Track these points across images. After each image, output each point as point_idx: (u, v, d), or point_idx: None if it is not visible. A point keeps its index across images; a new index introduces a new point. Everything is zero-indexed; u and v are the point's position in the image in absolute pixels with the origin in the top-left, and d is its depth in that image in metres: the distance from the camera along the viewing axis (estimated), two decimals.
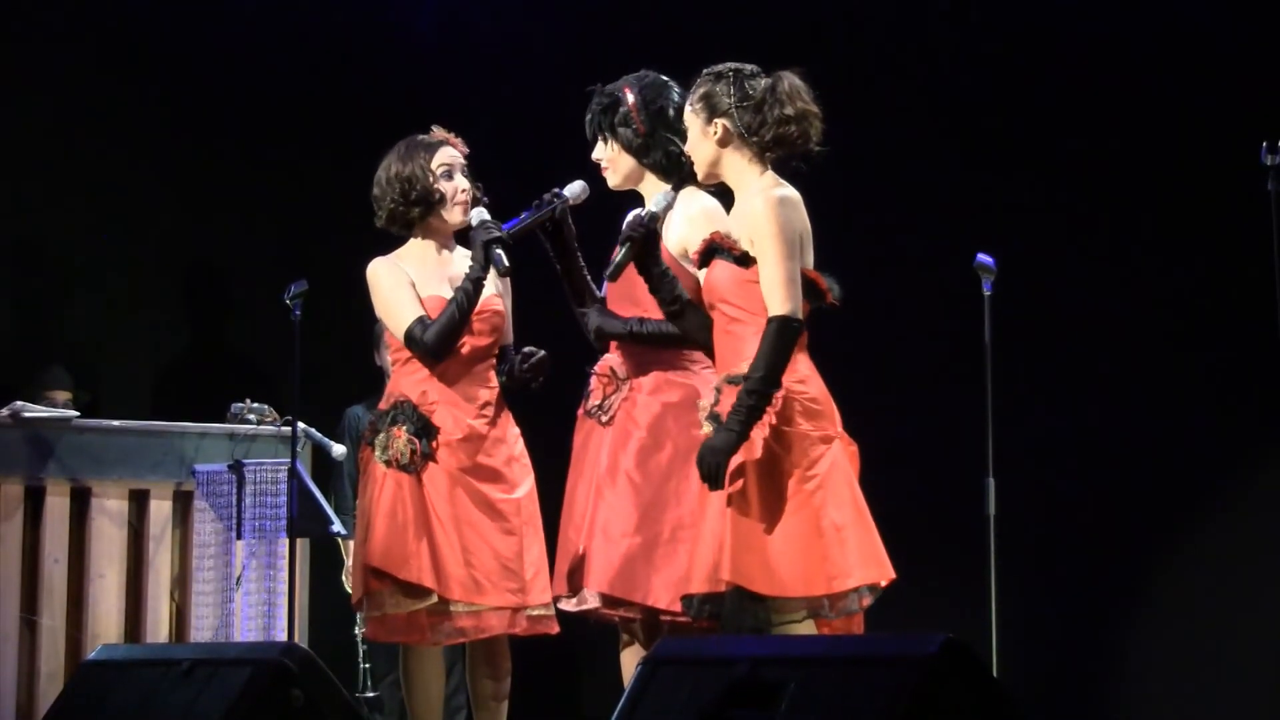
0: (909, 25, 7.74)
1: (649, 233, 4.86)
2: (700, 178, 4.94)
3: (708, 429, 4.69)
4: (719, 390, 4.71)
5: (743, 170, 4.81)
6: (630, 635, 5.15)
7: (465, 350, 5.39)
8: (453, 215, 5.47)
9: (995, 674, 5.03)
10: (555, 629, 5.39)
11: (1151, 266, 7.22)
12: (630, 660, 5.11)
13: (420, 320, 5.35)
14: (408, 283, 5.42)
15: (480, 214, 5.39)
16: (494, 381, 5.45)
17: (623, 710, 3.83)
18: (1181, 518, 7.18)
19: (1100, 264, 7.30)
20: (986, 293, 6.11)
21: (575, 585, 5.08)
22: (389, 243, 5.51)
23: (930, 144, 7.55)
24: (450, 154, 5.49)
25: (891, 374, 7.27)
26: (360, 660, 7.65)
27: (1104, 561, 7.20)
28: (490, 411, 5.41)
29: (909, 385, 7.27)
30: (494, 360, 5.48)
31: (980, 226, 7.07)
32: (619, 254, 4.88)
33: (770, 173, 4.80)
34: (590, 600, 5.05)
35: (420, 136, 5.52)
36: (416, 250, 5.50)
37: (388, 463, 5.36)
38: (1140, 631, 7.21)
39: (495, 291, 5.44)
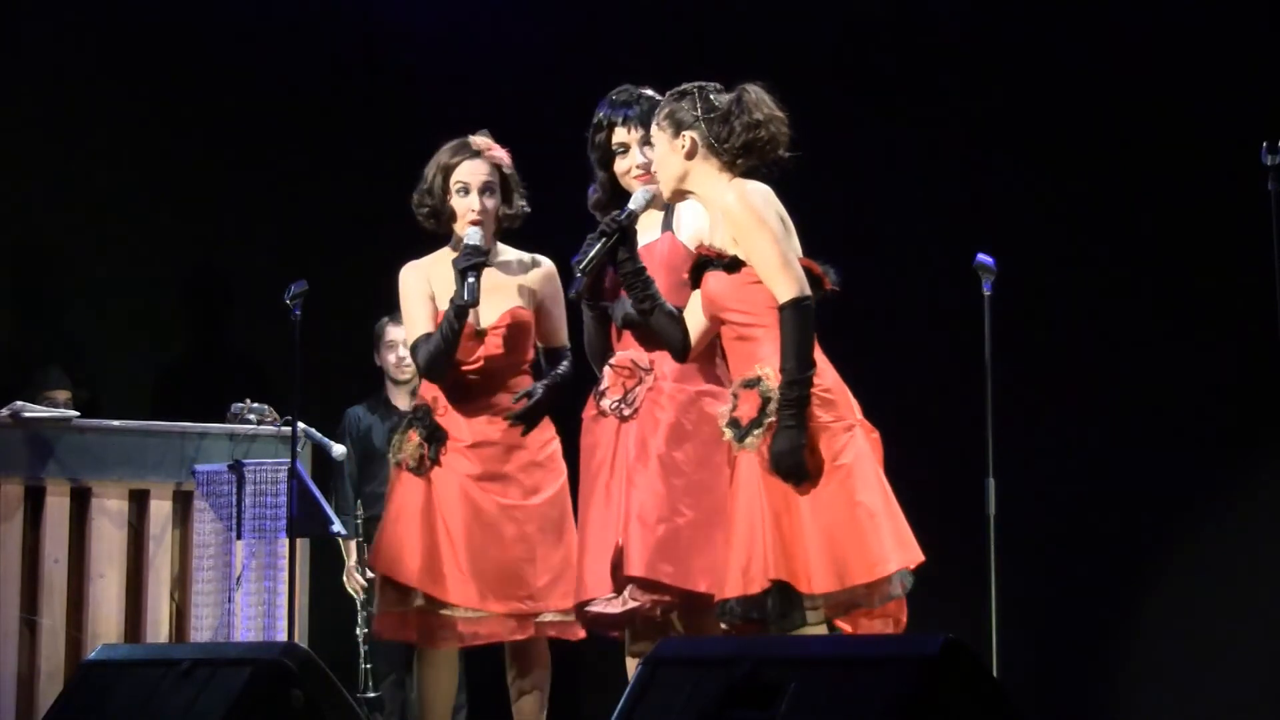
0: (909, 26, 7.74)
1: (623, 229, 4.89)
2: (666, 196, 4.92)
3: (728, 435, 4.69)
4: (736, 396, 4.70)
5: (712, 180, 4.79)
6: (640, 631, 5.07)
7: (480, 361, 5.38)
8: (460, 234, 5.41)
9: (995, 674, 5.03)
10: (580, 634, 5.35)
11: (1151, 266, 7.22)
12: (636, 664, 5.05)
13: (425, 337, 5.35)
14: (428, 294, 5.40)
15: (473, 236, 5.33)
16: (518, 387, 5.41)
17: (623, 710, 3.82)
18: (1181, 518, 7.18)
19: (1100, 264, 7.30)
20: (986, 293, 6.10)
21: (620, 583, 4.96)
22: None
23: (930, 144, 7.55)
24: (472, 170, 5.40)
25: (891, 374, 7.25)
26: (361, 660, 7.64)
27: (1104, 562, 7.20)
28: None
29: (909, 385, 7.26)
30: (523, 366, 5.43)
31: (980, 226, 7.07)
32: (594, 249, 4.89)
33: (738, 178, 4.78)
34: (632, 596, 4.92)
35: (460, 142, 5.44)
36: (445, 258, 5.45)
37: (398, 464, 5.42)
38: (1140, 631, 7.21)
39: (520, 303, 5.40)
